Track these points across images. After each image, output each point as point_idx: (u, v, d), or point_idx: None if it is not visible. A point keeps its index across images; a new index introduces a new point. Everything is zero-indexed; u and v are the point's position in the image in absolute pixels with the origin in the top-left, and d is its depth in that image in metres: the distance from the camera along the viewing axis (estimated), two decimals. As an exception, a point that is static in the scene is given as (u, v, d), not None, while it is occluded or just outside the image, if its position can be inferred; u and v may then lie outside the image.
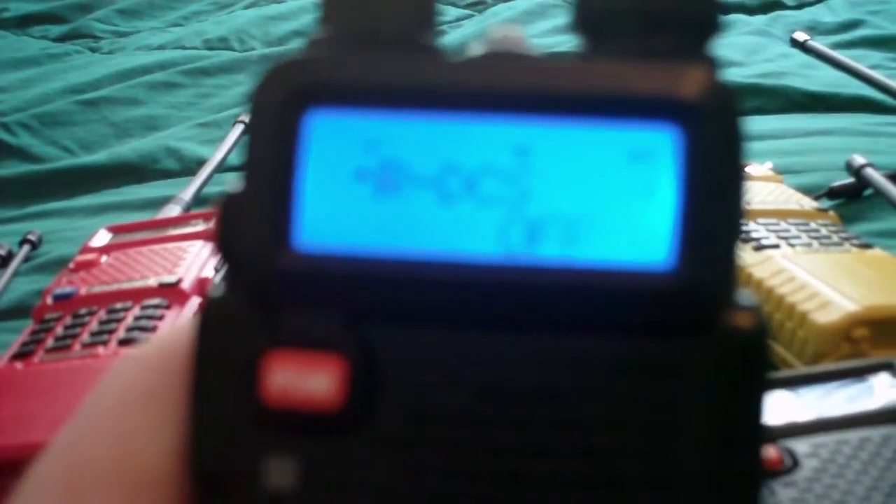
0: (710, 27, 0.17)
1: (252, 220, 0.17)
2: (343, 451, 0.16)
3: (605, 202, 0.16)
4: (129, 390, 0.18)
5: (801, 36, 1.08)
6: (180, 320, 0.56)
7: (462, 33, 1.32)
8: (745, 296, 0.16)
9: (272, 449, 0.16)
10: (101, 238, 0.69)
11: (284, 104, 0.17)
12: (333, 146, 0.17)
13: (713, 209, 0.16)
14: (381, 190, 0.17)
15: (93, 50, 1.41)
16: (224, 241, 0.17)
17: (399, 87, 0.17)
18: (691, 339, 0.16)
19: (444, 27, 1.34)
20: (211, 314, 0.17)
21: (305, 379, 0.16)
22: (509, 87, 0.17)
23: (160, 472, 0.17)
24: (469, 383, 0.16)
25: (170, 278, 0.60)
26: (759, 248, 0.57)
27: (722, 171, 0.16)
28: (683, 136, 0.16)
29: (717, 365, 0.16)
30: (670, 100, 0.16)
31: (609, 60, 0.17)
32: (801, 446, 0.35)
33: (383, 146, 0.17)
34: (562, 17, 1.32)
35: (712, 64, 0.17)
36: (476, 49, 0.17)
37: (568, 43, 1.21)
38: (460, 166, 0.17)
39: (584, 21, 0.18)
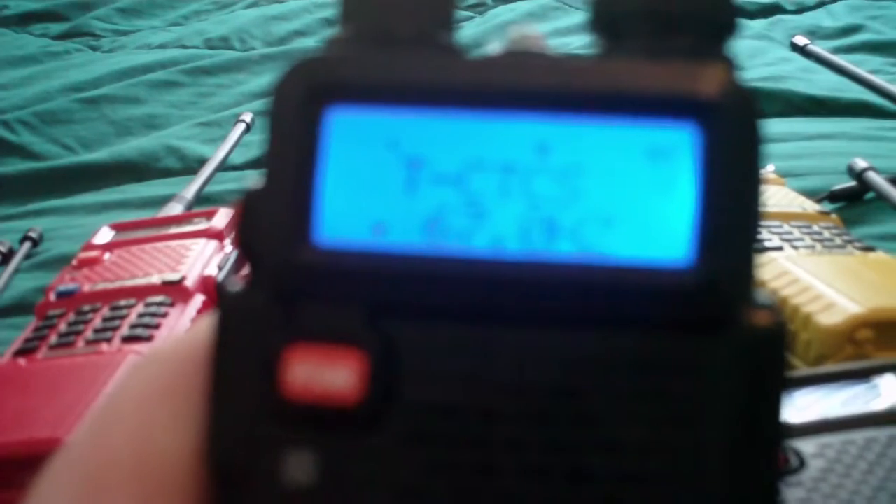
0: (727, 28, 0.17)
1: (273, 216, 0.17)
2: (362, 447, 0.16)
3: (624, 199, 0.16)
4: (148, 388, 0.18)
5: (801, 40, 1.08)
6: (184, 318, 0.56)
7: (463, 34, 1.32)
8: (763, 294, 0.16)
9: (291, 444, 0.16)
10: (104, 235, 0.69)
11: (305, 102, 0.17)
12: (354, 143, 0.17)
13: (732, 207, 0.16)
14: (401, 186, 0.17)
15: (93, 48, 1.41)
16: (245, 237, 0.17)
17: (419, 85, 0.17)
18: (711, 337, 0.16)
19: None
20: (230, 309, 0.17)
21: (325, 373, 0.16)
22: (529, 85, 0.17)
23: (179, 469, 0.17)
24: (488, 379, 0.16)
25: (173, 276, 0.60)
26: (763, 250, 0.57)
27: (740, 169, 0.16)
28: (702, 134, 0.16)
29: (737, 363, 0.16)
30: (689, 98, 0.16)
31: (627, 59, 0.17)
32: (807, 446, 0.35)
33: (403, 143, 0.17)
34: (562, 20, 1.32)
35: (730, 64, 0.17)
36: (495, 48, 0.17)
37: (570, 45, 1.22)
38: (480, 164, 0.17)
39: (602, 22, 0.18)
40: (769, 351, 0.16)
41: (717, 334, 0.16)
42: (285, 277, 0.17)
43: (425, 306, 0.16)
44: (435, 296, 0.16)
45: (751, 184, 0.16)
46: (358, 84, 0.17)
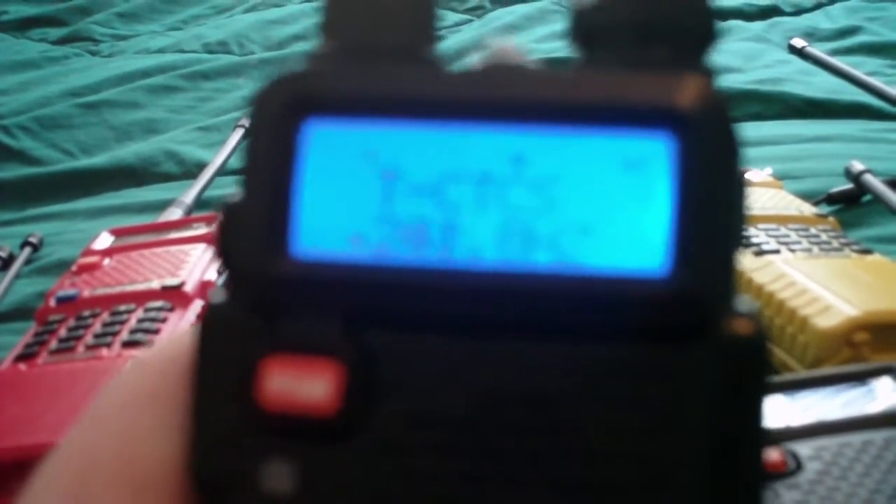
0: (707, 37, 0.17)
1: (250, 228, 0.17)
2: (340, 456, 0.16)
3: (600, 209, 0.16)
4: (134, 393, 0.18)
5: (798, 42, 1.08)
6: (183, 323, 0.57)
7: (461, 38, 1.32)
8: (744, 302, 0.16)
9: (270, 454, 0.17)
10: (104, 241, 0.69)
11: (283, 114, 0.17)
12: (331, 155, 0.17)
13: (708, 216, 0.16)
14: (378, 198, 0.17)
15: (92, 53, 1.41)
16: (224, 248, 0.17)
17: (396, 98, 0.17)
18: (689, 345, 0.16)
19: (444, 32, 1.34)
20: (212, 320, 0.17)
21: (303, 384, 0.16)
22: (505, 97, 0.17)
23: (165, 474, 0.17)
24: (466, 389, 0.16)
25: (173, 281, 0.60)
26: (760, 253, 0.57)
27: (716, 178, 0.16)
28: (677, 144, 0.16)
29: (715, 371, 0.16)
30: (664, 109, 0.16)
31: (604, 70, 0.17)
32: (803, 449, 0.35)
33: (380, 155, 0.17)
34: (560, 23, 1.33)
35: (708, 73, 0.17)
36: (474, 61, 0.18)
37: (567, 48, 1.22)
38: (457, 175, 0.17)
39: (581, 32, 0.18)
40: (748, 358, 0.16)
41: (694, 343, 0.16)
42: (263, 289, 0.17)
43: (402, 317, 0.17)
44: (412, 306, 0.17)
45: (728, 193, 0.16)
46: (335, 97, 0.17)
